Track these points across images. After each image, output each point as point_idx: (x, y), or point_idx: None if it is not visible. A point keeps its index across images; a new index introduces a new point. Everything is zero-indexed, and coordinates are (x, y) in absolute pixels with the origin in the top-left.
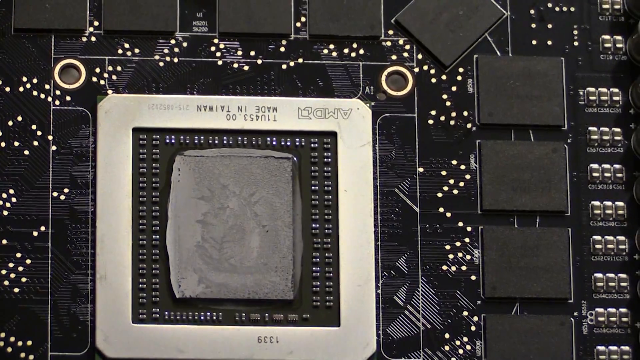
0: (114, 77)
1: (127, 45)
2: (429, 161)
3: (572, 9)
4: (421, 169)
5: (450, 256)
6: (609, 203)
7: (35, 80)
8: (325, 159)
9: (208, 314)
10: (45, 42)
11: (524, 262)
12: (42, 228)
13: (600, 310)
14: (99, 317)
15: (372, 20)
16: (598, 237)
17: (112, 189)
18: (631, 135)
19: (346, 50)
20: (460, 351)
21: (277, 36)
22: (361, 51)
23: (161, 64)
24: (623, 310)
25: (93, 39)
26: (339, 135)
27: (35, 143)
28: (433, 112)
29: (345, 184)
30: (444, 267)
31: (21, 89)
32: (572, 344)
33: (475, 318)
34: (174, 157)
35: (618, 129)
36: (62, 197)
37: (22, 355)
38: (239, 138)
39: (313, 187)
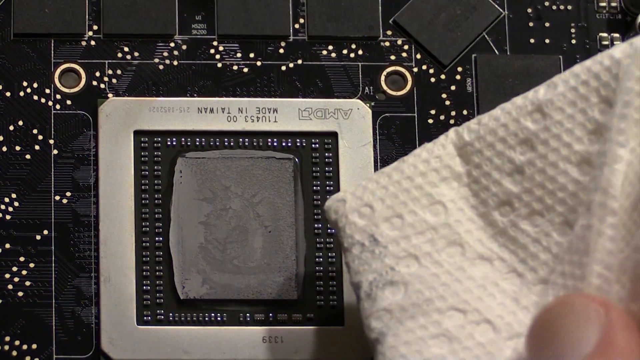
0: (114, 80)
1: (126, 49)
2: None
3: (569, 7)
4: None
5: None
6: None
7: (35, 85)
8: (327, 159)
9: (212, 314)
10: (44, 47)
11: None
12: (45, 232)
13: None
14: (103, 320)
15: (370, 21)
16: None
17: (115, 192)
18: None
19: (345, 51)
20: None
21: (276, 38)
22: (360, 52)
23: (161, 67)
24: None
25: (92, 42)
26: (339, 136)
27: (37, 147)
28: (433, 112)
29: (347, 184)
30: None
31: (22, 93)
32: None
33: None
34: (176, 159)
35: None
36: (65, 201)
37: (28, 358)
38: (240, 139)
39: (315, 187)
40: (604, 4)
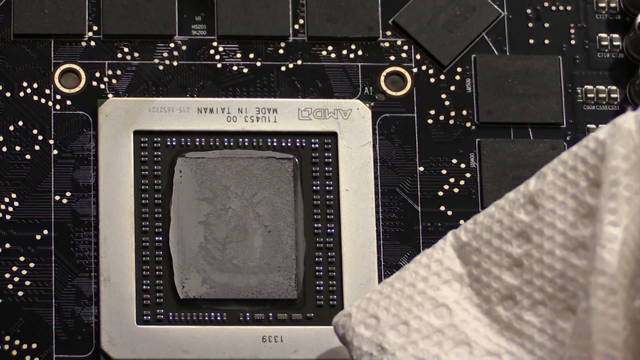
0: (114, 81)
1: (126, 49)
2: (429, 160)
3: (569, 8)
4: (421, 168)
5: None
6: None
7: (35, 85)
8: (326, 159)
9: (212, 314)
10: (44, 47)
11: None
12: (45, 232)
13: None
14: (103, 319)
15: (370, 21)
16: None
17: (114, 192)
18: None
19: (345, 52)
20: None
21: (275, 38)
22: (360, 52)
23: (161, 67)
24: None
25: (92, 43)
26: (339, 136)
27: (37, 147)
28: (432, 112)
29: (346, 184)
30: None
31: (22, 94)
32: None
33: None
34: (176, 159)
35: None
36: (65, 201)
37: (27, 358)
38: (240, 139)
39: (314, 187)
40: (603, 5)
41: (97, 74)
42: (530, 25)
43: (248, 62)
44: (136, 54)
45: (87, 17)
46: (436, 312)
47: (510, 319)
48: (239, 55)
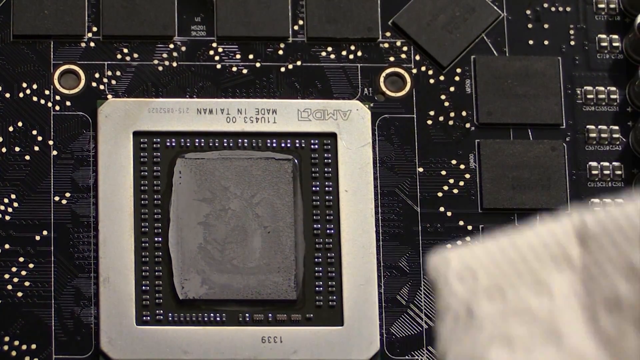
0: (113, 81)
1: (125, 50)
2: (429, 161)
3: (568, 9)
4: (421, 169)
5: None
6: (608, 200)
7: (35, 86)
8: (326, 160)
9: (211, 315)
10: (44, 48)
11: None
12: (45, 232)
13: None
14: (102, 320)
15: (369, 22)
16: None
17: (114, 193)
18: (629, 133)
19: (344, 53)
20: None
21: (275, 39)
22: (359, 53)
23: (160, 68)
24: None
25: (92, 44)
26: (338, 136)
27: (36, 148)
28: (432, 113)
29: (346, 185)
30: None
31: (21, 94)
32: None
33: None
34: (175, 159)
35: (616, 127)
36: (64, 202)
37: (27, 359)
38: (239, 140)
39: (314, 188)
40: (602, 5)
41: (97, 75)
42: (530, 26)
43: (247, 63)
44: (136, 55)
45: (86, 18)
46: (536, 289)
47: (608, 324)
48: (238, 56)
